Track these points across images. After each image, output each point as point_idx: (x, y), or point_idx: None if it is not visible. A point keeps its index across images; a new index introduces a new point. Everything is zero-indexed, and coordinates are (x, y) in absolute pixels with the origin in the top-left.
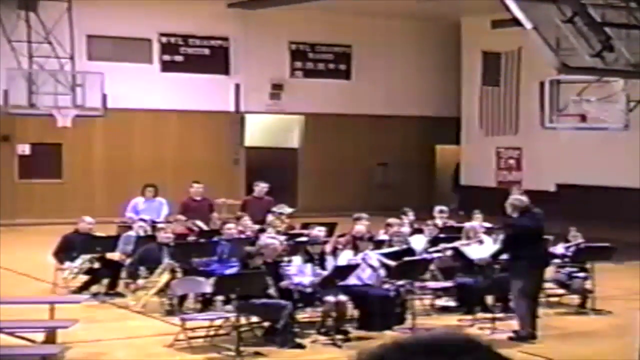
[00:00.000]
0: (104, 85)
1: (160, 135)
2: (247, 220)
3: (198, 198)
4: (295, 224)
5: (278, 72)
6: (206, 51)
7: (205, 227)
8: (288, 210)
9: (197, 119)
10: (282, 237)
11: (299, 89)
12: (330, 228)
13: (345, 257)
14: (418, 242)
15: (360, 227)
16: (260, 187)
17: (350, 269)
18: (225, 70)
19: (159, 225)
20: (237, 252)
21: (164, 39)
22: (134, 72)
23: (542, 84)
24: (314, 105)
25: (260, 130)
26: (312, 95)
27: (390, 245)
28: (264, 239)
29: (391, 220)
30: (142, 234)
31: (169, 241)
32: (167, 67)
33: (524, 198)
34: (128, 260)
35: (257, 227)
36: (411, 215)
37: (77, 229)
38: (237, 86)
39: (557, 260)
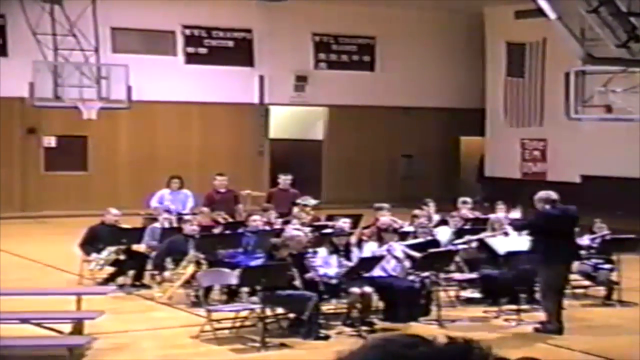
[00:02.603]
0: (129, 78)
1: (184, 127)
2: (272, 212)
3: (222, 190)
4: (320, 216)
5: (302, 64)
6: (230, 43)
7: (230, 219)
8: (313, 202)
9: (221, 111)
10: (307, 229)
11: (322, 81)
12: (355, 220)
13: (370, 248)
14: (443, 234)
15: (385, 219)
16: (285, 179)
17: (375, 260)
18: (249, 62)
19: (185, 217)
20: (263, 243)
21: (187, 31)
22: (158, 65)
23: (567, 75)
24: (337, 96)
25: (285, 122)
26: (336, 86)
27: (416, 237)
28: (289, 230)
29: (417, 211)
30: (167, 226)
31: (194, 233)
32: (191, 59)
33: (553, 192)
34: (154, 252)
35: (282, 219)
36: (432, 206)
37: (103, 221)
38: (261, 78)
39: (582, 252)
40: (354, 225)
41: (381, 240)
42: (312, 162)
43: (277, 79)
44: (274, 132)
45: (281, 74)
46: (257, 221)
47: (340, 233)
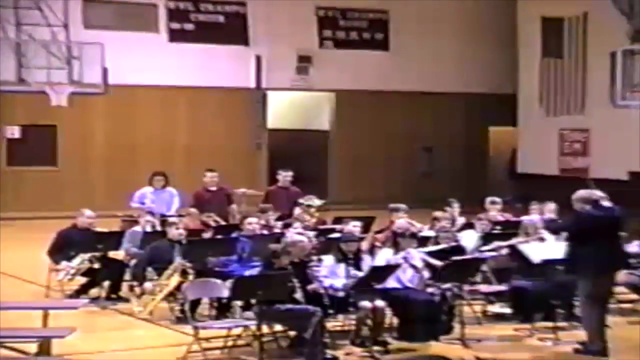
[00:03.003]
0: (104, 58)
1: (169, 116)
2: (271, 213)
3: (213, 188)
4: (326, 218)
5: (305, 43)
6: (221, 18)
7: (222, 222)
8: (318, 202)
9: (211, 97)
10: (311, 233)
11: (329, 62)
12: (367, 223)
13: (384, 256)
14: (469, 239)
15: (401, 222)
16: (285, 176)
17: (389, 269)
18: (243, 40)
19: (170, 220)
20: (260, 250)
21: (171, 4)
22: (138, 43)
23: (613, 55)
24: (346, 80)
25: (286, 109)
26: (345, 69)
27: (437, 243)
28: (291, 235)
29: (438, 213)
30: (149, 229)
31: (180, 238)
32: (175, 36)
33: (596, 191)
34: (133, 260)
35: (282, 221)
36: (456, 207)
37: (75, 224)
38: (258, 59)
39: (630, 260)
40: (365, 229)
41: (397, 247)
42: (316, 156)
43: (276, 59)
44: (273, 121)
45: (281, 54)
46: (253, 224)
47: (349, 238)
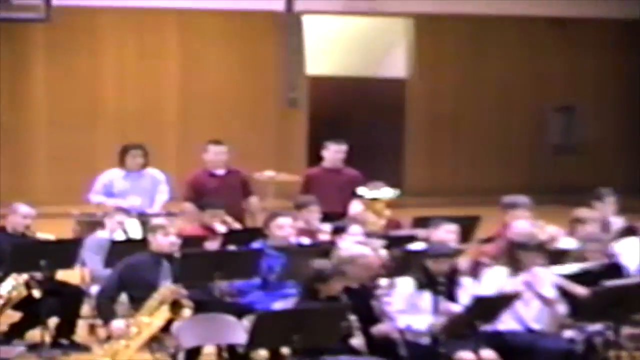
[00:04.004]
0: None
1: (150, 55)
2: (314, 210)
3: (221, 171)
4: (401, 219)
5: None
6: None
7: (236, 224)
8: (389, 192)
9: (217, 25)
10: (379, 243)
11: None
12: (467, 226)
13: (495, 279)
14: (631, 253)
15: (522, 225)
16: (337, 152)
17: (503, 301)
18: None
19: (154, 222)
20: (296, 269)
21: None
22: None
23: None
24: (431, 0)
25: (335, 46)
26: None
27: (581, 259)
28: (346, 245)
29: (583, 211)
30: (121, 236)
31: (171, 250)
32: None
33: None
34: (95, 285)
35: (331, 223)
36: (611, 202)
37: (3, 227)
38: None
39: None
40: (465, 236)
41: (515, 265)
42: (385, 121)
43: None
44: (315, 64)
45: None
46: (285, 228)
47: (439, 251)
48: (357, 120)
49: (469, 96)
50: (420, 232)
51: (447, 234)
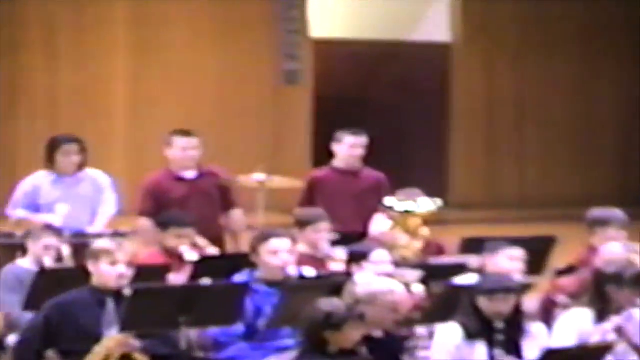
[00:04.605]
0: None
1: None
2: (323, 229)
3: (190, 174)
4: (444, 241)
5: None
6: None
7: (211, 249)
8: (427, 204)
9: None
10: (413, 275)
11: None
12: (537, 250)
13: (575, 324)
14: None
15: (614, 249)
16: (353, 145)
17: (586, 355)
18: None
19: (95, 245)
20: (296, 312)
21: None
22: None
23: None
24: None
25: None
26: None
27: None
28: (367, 278)
29: None
30: (49, 264)
31: (119, 284)
32: None
33: None
34: (13, 335)
35: (345, 247)
36: None
37: None
38: None
39: None
40: (535, 264)
41: (604, 305)
42: (421, 103)
43: None
44: (323, 25)
45: None
46: (280, 254)
47: (497, 285)
48: (380, 102)
49: (539, 71)
50: (471, 259)
51: (509, 261)
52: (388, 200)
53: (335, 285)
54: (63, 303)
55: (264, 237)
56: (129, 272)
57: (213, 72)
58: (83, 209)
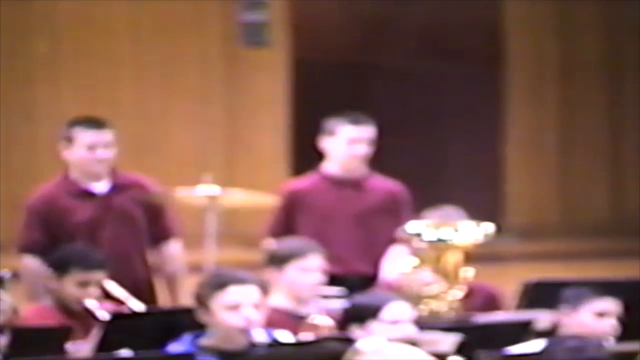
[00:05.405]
0: None
1: None
2: (312, 265)
3: (101, 185)
4: (498, 285)
5: None
6: None
7: (133, 302)
8: (472, 231)
9: None
10: (451, 341)
11: None
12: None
13: None
14: None
15: None
16: (352, 140)
17: None
18: None
19: None
20: None
21: None
22: None
23: None
24: None
25: None
26: None
27: None
28: (375, 345)
29: None
30: None
31: None
32: None
33: None
34: None
35: (345, 294)
36: None
37: None
38: None
39: None
40: (638, 324)
41: None
42: (458, 78)
43: None
44: None
45: None
46: (243, 308)
47: (580, 354)
48: (396, 70)
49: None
50: (539, 315)
51: (596, 319)
52: (410, 225)
53: (326, 356)
54: None
55: (217, 283)
56: (2, 341)
57: (141, 30)
58: None
